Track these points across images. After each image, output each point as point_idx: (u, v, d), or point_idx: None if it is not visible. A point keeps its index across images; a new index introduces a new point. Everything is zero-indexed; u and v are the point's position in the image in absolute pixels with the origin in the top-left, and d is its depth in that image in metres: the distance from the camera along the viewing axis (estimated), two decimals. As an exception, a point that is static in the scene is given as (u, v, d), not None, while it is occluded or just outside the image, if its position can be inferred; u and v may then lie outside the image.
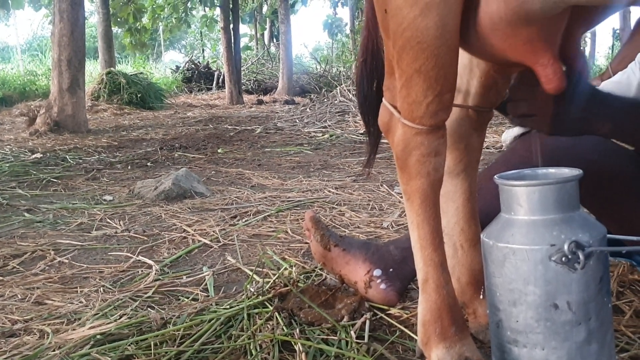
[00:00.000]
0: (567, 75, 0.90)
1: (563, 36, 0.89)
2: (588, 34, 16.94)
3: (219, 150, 4.60)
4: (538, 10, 0.82)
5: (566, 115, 1.00)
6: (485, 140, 4.21)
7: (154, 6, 13.35)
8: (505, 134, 1.37)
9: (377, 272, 1.36)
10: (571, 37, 0.92)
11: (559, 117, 0.99)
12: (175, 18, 14.02)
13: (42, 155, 4.42)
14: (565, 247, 0.79)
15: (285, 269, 1.68)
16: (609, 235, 0.85)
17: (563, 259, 0.80)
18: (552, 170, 0.90)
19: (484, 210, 1.20)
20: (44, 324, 1.36)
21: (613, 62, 2.05)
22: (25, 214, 2.56)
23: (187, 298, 1.53)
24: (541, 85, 0.91)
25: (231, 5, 10.89)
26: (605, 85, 1.55)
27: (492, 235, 0.86)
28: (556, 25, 0.87)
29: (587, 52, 17.51)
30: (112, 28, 11.40)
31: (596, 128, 1.04)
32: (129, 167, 3.96)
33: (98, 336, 1.26)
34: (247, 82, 13.35)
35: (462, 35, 0.92)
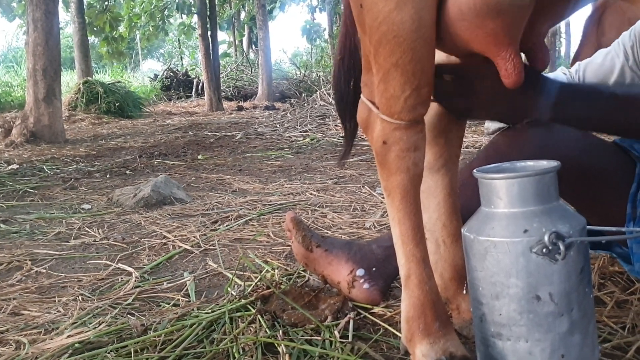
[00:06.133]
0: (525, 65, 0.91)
1: (526, 27, 0.90)
2: (563, 34, 17.18)
3: (199, 157, 4.56)
4: (508, 0, 0.83)
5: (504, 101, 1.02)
6: (465, 140, 4.24)
7: (130, 14, 13.26)
8: (488, 122, 1.38)
9: (360, 272, 1.35)
10: (534, 29, 0.92)
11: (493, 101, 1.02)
12: (152, 26, 13.93)
13: (18, 166, 4.35)
14: (546, 238, 0.79)
15: (268, 271, 1.66)
16: (588, 227, 0.85)
17: (544, 250, 0.80)
18: (530, 163, 0.90)
19: (466, 205, 1.19)
20: (21, 335, 1.33)
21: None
22: (1, 225, 2.51)
23: (168, 304, 1.50)
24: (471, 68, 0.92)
25: (209, 13, 10.87)
26: (588, 67, 1.57)
27: (472, 229, 0.86)
28: (521, 19, 0.88)
29: (562, 52, 17.78)
30: (89, 37, 11.30)
31: (538, 114, 1.06)
32: (108, 176, 3.91)
33: (76, 345, 1.23)
34: (226, 89, 13.31)
35: None
